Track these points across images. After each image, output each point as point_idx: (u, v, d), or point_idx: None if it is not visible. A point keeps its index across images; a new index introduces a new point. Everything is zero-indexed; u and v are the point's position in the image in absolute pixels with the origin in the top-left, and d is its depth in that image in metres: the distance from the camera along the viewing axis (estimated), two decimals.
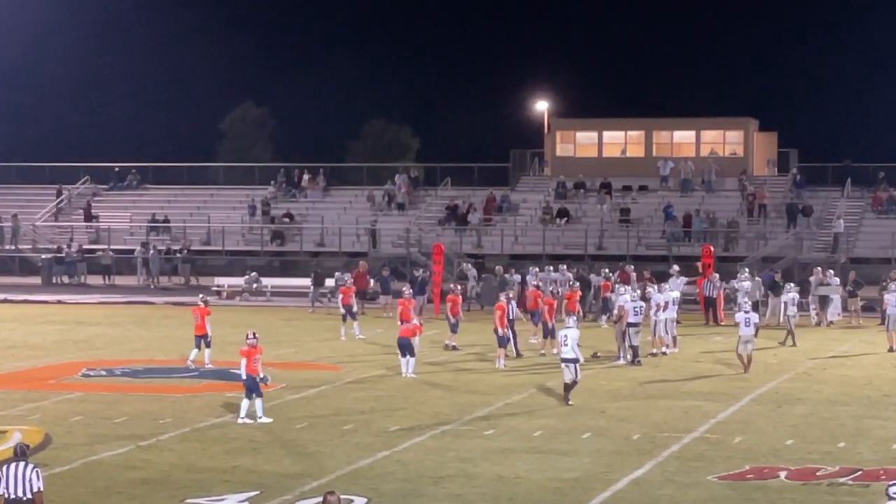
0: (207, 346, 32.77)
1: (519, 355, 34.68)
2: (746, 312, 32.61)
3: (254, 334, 25.61)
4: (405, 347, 31.28)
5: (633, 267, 47.41)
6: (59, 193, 67.81)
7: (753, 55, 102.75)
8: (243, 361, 25.29)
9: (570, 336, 27.43)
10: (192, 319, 33.12)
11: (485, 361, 34.12)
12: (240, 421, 25.03)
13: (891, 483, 14.71)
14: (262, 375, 25.40)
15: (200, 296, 34.72)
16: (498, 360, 33.11)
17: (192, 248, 61.15)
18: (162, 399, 27.96)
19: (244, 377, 25.31)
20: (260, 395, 25.29)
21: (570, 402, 27.10)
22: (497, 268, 48.62)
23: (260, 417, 25.11)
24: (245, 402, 25.26)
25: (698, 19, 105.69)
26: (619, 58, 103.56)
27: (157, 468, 21.12)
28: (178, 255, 59.65)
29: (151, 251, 59.14)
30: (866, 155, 64.99)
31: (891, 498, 14.45)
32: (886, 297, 37.38)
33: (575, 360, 27.27)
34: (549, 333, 35.14)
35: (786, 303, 38.48)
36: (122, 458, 21.83)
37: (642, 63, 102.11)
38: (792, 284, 40.84)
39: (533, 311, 37.42)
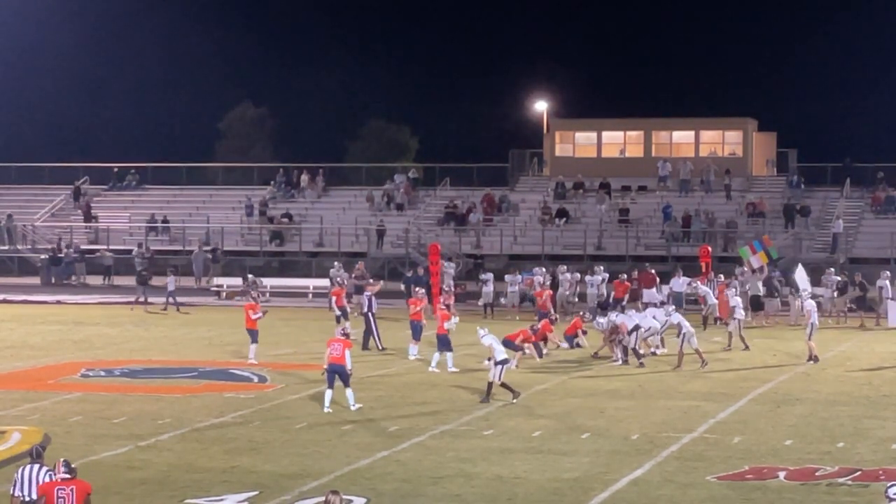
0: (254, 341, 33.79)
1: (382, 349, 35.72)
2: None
3: (345, 328, 26.97)
4: (444, 342, 32.19)
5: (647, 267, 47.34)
6: (76, 194, 67.49)
7: (753, 55, 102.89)
8: (332, 348, 26.04)
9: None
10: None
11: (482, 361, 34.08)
12: (325, 410, 25.89)
13: (890, 484, 14.70)
14: (349, 367, 26.21)
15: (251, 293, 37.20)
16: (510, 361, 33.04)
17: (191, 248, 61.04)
18: (161, 399, 27.96)
19: (326, 367, 26.16)
20: (344, 384, 26.09)
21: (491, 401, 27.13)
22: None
23: (353, 405, 26.10)
24: (328, 392, 26.12)
25: (697, 20, 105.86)
26: (618, 58, 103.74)
27: (156, 468, 21.11)
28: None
29: (196, 250, 58.28)
30: (865, 155, 65.12)
31: (890, 499, 14.40)
32: (806, 304, 35.23)
33: (505, 362, 27.50)
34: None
35: (734, 307, 36.92)
36: (122, 458, 21.82)
37: (641, 63, 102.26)
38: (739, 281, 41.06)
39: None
